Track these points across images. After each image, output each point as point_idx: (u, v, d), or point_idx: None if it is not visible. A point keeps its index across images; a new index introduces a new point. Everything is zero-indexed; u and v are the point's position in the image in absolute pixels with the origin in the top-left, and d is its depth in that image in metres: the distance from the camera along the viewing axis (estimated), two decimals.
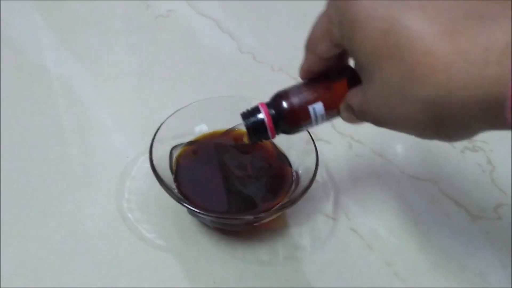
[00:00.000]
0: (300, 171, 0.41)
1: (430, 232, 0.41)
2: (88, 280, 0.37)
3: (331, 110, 0.31)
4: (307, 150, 0.40)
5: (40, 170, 0.45)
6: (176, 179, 0.40)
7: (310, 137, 0.40)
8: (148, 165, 0.37)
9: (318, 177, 0.39)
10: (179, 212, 0.41)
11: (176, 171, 0.41)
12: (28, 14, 0.65)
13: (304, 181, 0.38)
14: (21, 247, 0.38)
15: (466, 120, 0.23)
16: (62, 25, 0.64)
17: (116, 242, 0.39)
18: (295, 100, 0.31)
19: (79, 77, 0.56)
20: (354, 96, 0.28)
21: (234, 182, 0.41)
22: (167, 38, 0.63)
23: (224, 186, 0.41)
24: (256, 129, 0.33)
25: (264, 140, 0.34)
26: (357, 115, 0.28)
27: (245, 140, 0.37)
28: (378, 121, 0.27)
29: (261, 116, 0.32)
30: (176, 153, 0.42)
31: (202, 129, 0.44)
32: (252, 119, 0.33)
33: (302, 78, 0.31)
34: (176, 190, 0.39)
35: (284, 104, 0.31)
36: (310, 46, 0.29)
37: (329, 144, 0.49)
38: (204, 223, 0.40)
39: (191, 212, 0.38)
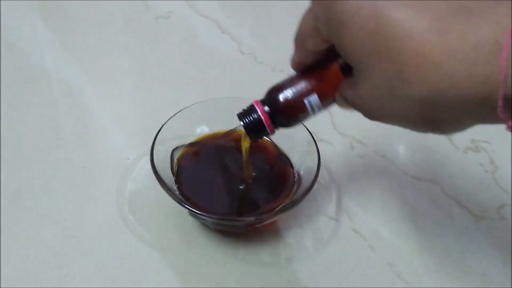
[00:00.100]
0: (301, 172, 0.41)
1: (432, 233, 0.41)
2: (89, 281, 0.36)
3: (327, 100, 0.30)
4: (308, 151, 0.40)
5: (41, 172, 0.44)
6: (177, 181, 0.40)
7: (311, 138, 0.40)
8: (149, 166, 0.37)
9: (319, 178, 0.38)
10: (180, 213, 0.41)
11: (177, 173, 0.40)
12: (28, 16, 0.65)
13: (305, 182, 0.38)
14: (22, 249, 0.38)
15: (458, 117, 0.23)
16: (62, 26, 0.64)
17: (117, 244, 0.39)
18: (290, 95, 0.30)
19: (79, 78, 0.55)
20: (347, 88, 0.28)
21: (236, 183, 0.41)
22: (167, 39, 0.63)
23: (225, 188, 0.41)
24: (255, 128, 0.33)
25: (264, 137, 0.34)
26: (352, 107, 0.28)
27: (246, 140, 0.36)
28: (371, 116, 0.27)
29: (257, 114, 0.32)
30: (177, 155, 0.42)
31: (203, 130, 0.44)
32: (249, 119, 0.32)
33: (294, 69, 0.31)
34: (177, 192, 0.38)
35: (279, 100, 0.31)
36: (298, 42, 0.29)
37: (331, 145, 0.48)
38: (205, 225, 0.40)
39: (192, 213, 0.38)
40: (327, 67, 0.30)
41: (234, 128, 0.38)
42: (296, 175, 0.41)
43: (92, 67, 0.58)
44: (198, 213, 0.36)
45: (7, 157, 0.45)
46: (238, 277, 0.37)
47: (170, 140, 0.41)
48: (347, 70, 0.28)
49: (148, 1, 0.69)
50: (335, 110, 0.31)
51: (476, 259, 0.39)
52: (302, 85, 0.30)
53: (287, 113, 0.31)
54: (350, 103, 0.28)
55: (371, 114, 0.27)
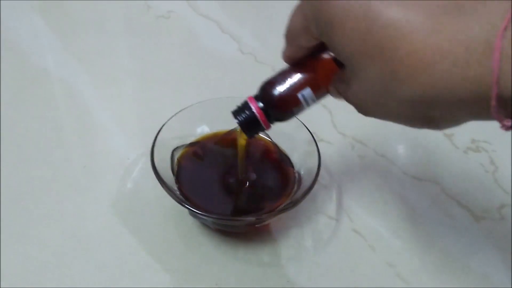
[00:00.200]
0: (302, 172, 0.41)
1: (433, 233, 0.41)
2: (89, 282, 0.36)
3: (320, 92, 0.30)
4: (309, 151, 0.40)
5: (41, 172, 0.44)
6: (177, 181, 0.40)
7: (312, 138, 0.40)
8: (149, 166, 0.37)
9: (320, 178, 0.38)
10: (180, 213, 0.41)
11: (178, 173, 0.40)
12: (29, 16, 0.65)
13: (306, 182, 0.38)
14: (22, 249, 0.38)
15: (453, 115, 0.23)
16: (62, 27, 0.64)
17: (117, 244, 0.39)
18: (283, 89, 0.30)
19: (80, 78, 0.55)
20: (340, 82, 0.28)
21: (236, 183, 0.41)
22: (168, 39, 0.63)
23: (225, 188, 0.41)
24: (250, 125, 0.32)
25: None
26: (345, 100, 0.28)
27: (242, 137, 0.36)
28: (364, 112, 0.27)
29: (251, 111, 0.32)
30: (177, 155, 0.42)
31: (203, 130, 0.44)
32: (243, 116, 0.32)
33: (286, 63, 0.31)
34: (177, 192, 0.38)
35: (273, 95, 0.30)
36: (289, 39, 0.29)
37: (331, 145, 0.48)
38: (205, 225, 0.40)
39: (192, 213, 0.38)
40: (320, 59, 0.29)
41: (235, 128, 0.38)
42: (296, 175, 0.41)
43: (93, 67, 0.58)
44: (198, 213, 0.36)
45: (7, 157, 0.45)
46: (238, 277, 0.37)
47: (171, 140, 0.41)
48: (340, 62, 0.28)
49: (148, 1, 0.69)
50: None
51: (476, 259, 0.39)
52: (295, 79, 0.30)
53: (281, 108, 0.31)
54: (343, 97, 0.28)
55: (364, 110, 0.27)
